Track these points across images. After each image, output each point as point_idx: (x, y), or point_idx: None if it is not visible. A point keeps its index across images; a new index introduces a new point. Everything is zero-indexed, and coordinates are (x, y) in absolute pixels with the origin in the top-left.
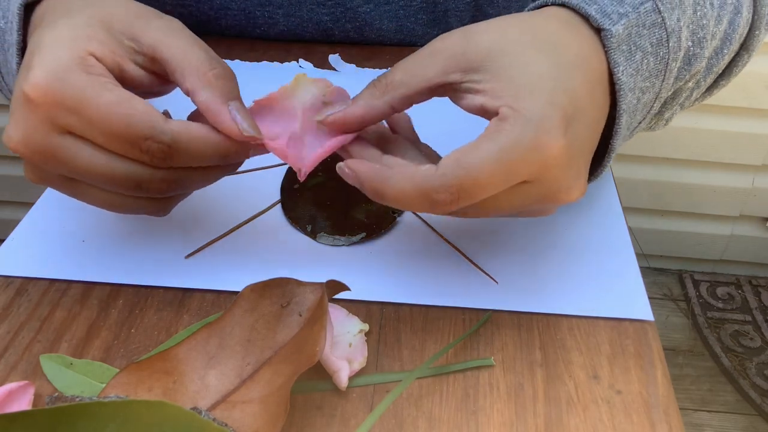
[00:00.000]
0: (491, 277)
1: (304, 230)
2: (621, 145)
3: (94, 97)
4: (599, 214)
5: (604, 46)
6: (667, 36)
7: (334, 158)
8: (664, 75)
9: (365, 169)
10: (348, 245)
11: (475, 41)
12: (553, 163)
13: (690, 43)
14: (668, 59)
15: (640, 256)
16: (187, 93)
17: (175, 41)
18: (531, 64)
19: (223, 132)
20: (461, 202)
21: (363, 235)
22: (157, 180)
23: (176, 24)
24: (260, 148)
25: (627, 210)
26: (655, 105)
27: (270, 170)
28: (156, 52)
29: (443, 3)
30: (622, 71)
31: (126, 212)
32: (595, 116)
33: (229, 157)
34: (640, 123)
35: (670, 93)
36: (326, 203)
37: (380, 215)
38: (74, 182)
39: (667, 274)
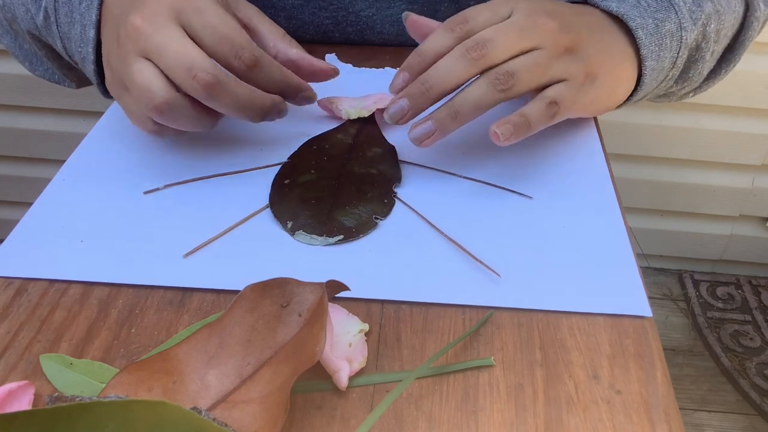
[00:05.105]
0: (493, 271)
1: (284, 226)
2: (672, 74)
3: (218, 11)
4: (597, 212)
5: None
6: None
7: (330, 158)
8: (675, 9)
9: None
10: (324, 246)
11: None
12: None
13: None
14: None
15: (640, 256)
16: (267, 49)
17: (262, 17)
18: None
19: (317, 67)
20: (468, 23)
21: (340, 237)
22: (226, 80)
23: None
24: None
25: (627, 210)
26: (683, 36)
27: (268, 170)
28: (251, 21)
29: (444, 9)
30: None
31: (168, 113)
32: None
33: (289, 87)
34: (677, 58)
35: (695, 31)
36: (311, 201)
37: (362, 219)
38: (147, 63)
39: (667, 274)
